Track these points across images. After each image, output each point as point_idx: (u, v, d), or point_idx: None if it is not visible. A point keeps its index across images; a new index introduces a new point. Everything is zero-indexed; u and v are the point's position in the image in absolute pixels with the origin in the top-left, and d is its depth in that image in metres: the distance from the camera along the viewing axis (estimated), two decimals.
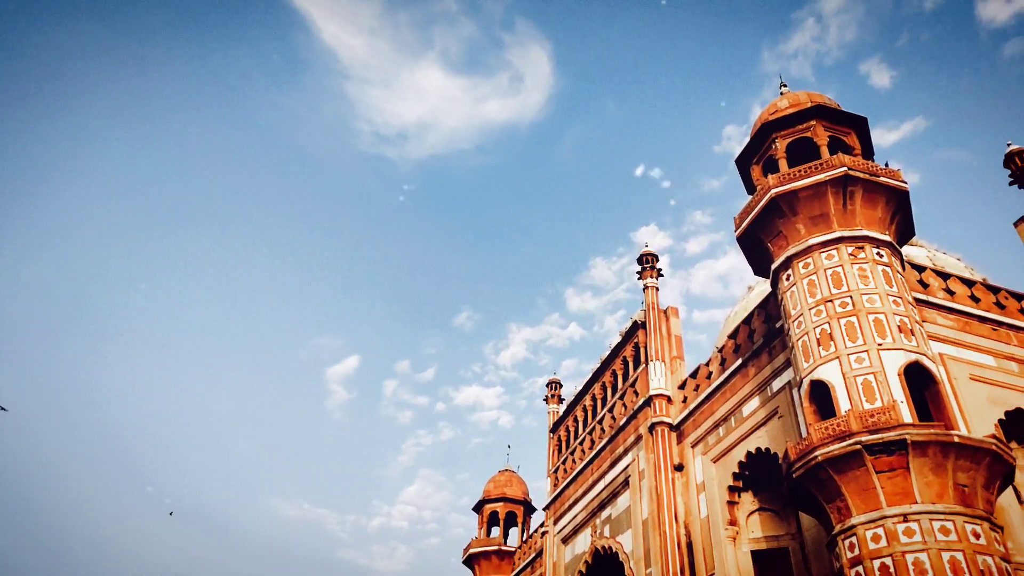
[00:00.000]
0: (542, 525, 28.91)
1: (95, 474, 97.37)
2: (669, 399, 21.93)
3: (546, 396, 32.84)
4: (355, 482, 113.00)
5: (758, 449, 17.45)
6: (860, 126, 18.09)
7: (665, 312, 24.46)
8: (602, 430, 25.61)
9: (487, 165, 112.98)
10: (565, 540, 26.23)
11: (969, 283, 18.12)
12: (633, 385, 24.03)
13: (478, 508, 37.51)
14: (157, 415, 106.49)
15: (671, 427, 21.24)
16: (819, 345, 14.65)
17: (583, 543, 24.53)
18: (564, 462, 28.38)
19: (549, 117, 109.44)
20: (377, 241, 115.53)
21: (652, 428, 21.34)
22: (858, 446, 12.32)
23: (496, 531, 36.74)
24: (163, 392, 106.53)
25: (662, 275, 25.70)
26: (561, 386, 33.10)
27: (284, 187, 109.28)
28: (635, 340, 25.03)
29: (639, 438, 22.22)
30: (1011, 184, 22.13)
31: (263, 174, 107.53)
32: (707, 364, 21.11)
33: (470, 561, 35.46)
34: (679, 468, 20.34)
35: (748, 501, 18.10)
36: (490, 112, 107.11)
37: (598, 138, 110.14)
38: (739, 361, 19.34)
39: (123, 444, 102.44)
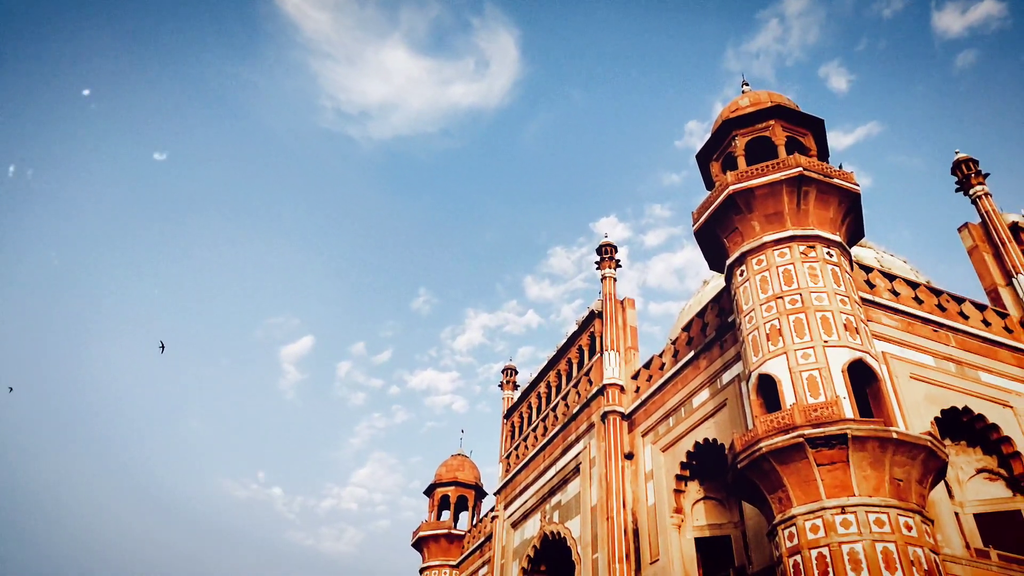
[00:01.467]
0: (492, 510, 29.11)
1: (43, 447, 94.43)
2: (622, 388, 22.24)
3: (501, 382, 32.96)
4: (306, 463, 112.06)
5: (706, 440, 17.83)
6: (817, 128, 18.48)
7: (622, 303, 24.74)
8: (555, 417, 25.85)
9: (451, 149, 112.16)
10: (515, 525, 26.46)
11: (913, 285, 18.74)
12: (588, 374, 24.28)
13: (429, 492, 37.55)
14: (104, 390, 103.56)
15: (623, 416, 21.56)
16: (768, 340, 15.00)
17: (532, 528, 24.79)
18: (517, 448, 28.57)
19: (514, 104, 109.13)
20: (337, 221, 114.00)
21: (604, 417, 21.62)
22: (800, 439, 12.69)
23: (447, 515, 36.84)
24: (112, 369, 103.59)
25: (620, 266, 25.97)
26: (516, 372, 33.26)
27: (241, 161, 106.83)
28: (591, 329, 25.27)
29: (591, 426, 22.50)
30: (957, 191, 22.93)
31: (218, 147, 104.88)
32: (660, 355, 21.45)
33: (419, 544, 35.51)
34: (629, 456, 20.68)
35: (694, 490, 18.52)
36: (455, 96, 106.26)
37: (562, 128, 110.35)
38: (691, 353, 19.69)
39: (70, 418, 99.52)
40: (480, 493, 37.54)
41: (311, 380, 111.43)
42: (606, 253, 25.98)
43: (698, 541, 17.84)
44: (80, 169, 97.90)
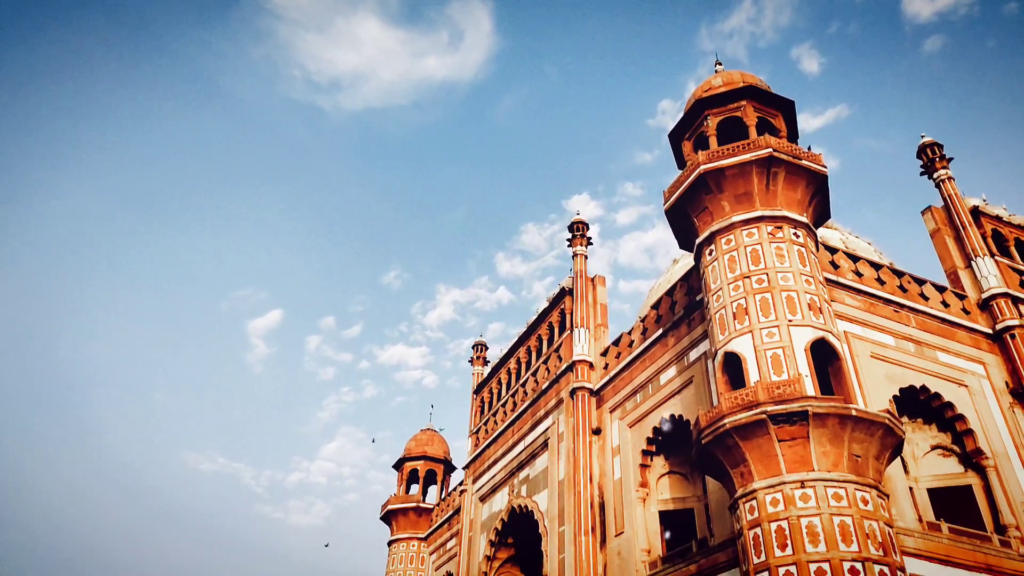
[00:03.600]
0: (461, 484, 29.35)
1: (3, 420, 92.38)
2: (591, 365, 22.44)
3: (471, 358, 33.03)
4: (274, 437, 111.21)
5: (672, 416, 18.12)
6: (788, 109, 18.62)
7: (592, 280, 24.87)
8: (525, 393, 26.03)
9: (423, 123, 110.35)
10: (483, 499, 26.72)
11: (876, 266, 19.12)
12: (558, 350, 24.45)
13: (398, 465, 37.70)
14: (67, 363, 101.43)
15: (591, 392, 21.78)
16: (735, 319, 15.23)
17: (500, 502, 25.06)
18: (486, 423, 28.75)
19: (488, 78, 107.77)
20: (306, 193, 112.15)
21: (573, 393, 21.84)
22: (763, 415, 12.96)
23: (416, 489, 37.08)
24: (74, 342, 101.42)
25: (591, 244, 26.07)
26: (487, 348, 33.35)
27: (207, 131, 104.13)
28: (562, 306, 25.40)
29: (560, 402, 22.71)
30: (922, 174, 23.35)
31: (184, 115, 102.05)
32: (629, 333, 21.66)
33: (388, 517, 35.71)
34: (597, 432, 20.95)
35: (659, 465, 18.85)
36: (428, 68, 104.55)
37: (536, 104, 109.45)
38: (660, 331, 19.91)
39: (32, 391, 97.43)
40: (449, 467, 37.81)
41: (280, 354, 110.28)
42: (578, 230, 26.04)
43: (662, 514, 18.21)
44: (40, 142, 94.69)
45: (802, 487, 12.51)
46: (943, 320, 18.57)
